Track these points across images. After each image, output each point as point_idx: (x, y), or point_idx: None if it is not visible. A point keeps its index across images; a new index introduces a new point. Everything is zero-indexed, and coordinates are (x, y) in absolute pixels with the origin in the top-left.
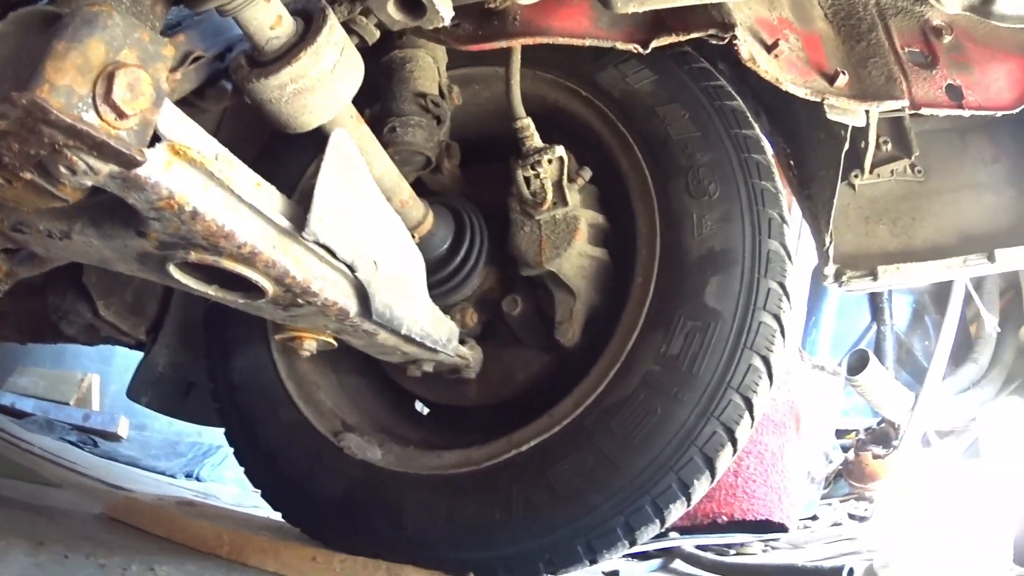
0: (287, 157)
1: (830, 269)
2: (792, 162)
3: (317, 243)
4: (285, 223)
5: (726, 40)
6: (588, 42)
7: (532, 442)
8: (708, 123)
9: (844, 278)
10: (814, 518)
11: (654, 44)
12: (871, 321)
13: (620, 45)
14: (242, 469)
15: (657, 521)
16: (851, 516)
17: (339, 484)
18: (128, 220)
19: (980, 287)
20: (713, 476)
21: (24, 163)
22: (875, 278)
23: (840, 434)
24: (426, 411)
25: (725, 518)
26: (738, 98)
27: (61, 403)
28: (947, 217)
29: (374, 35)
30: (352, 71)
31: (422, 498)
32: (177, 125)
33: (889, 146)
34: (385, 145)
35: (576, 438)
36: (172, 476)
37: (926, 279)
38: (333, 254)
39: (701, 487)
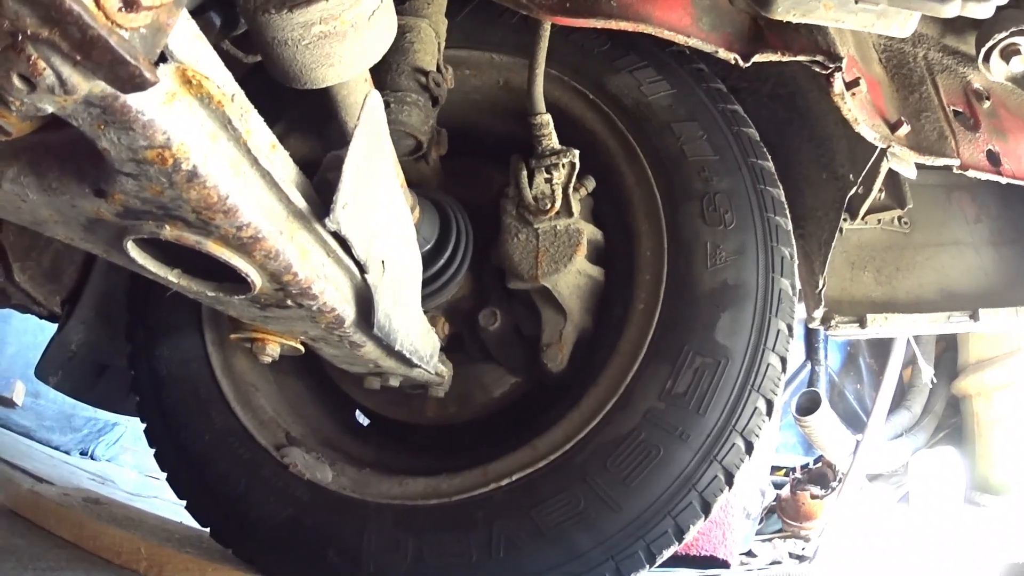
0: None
1: (818, 312)
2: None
3: (336, 234)
4: (301, 203)
5: (829, 71)
6: (690, 42)
7: (514, 476)
8: (726, 148)
9: (832, 322)
10: (750, 554)
11: (755, 59)
12: (805, 360)
13: (721, 53)
14: (150, 458)
15: (647, 566)
16: (791, 555)
17: (283, 507)
18: (85, 172)
19: (918, 337)
20: (706, 519)
21: None
22: (863, 325)
23: (773, 470)
24: (366, 422)
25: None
26: (754, 127)
27: None
28: (930, 271)
29: None
30: (388, 25)
31: (384, 531)
32: (192, 44)
33: (883, 195)
34: None
35: (566, 475)
36: (66, 452)
37: (911, 331)
38: (348, 250)
39: (694, 531)
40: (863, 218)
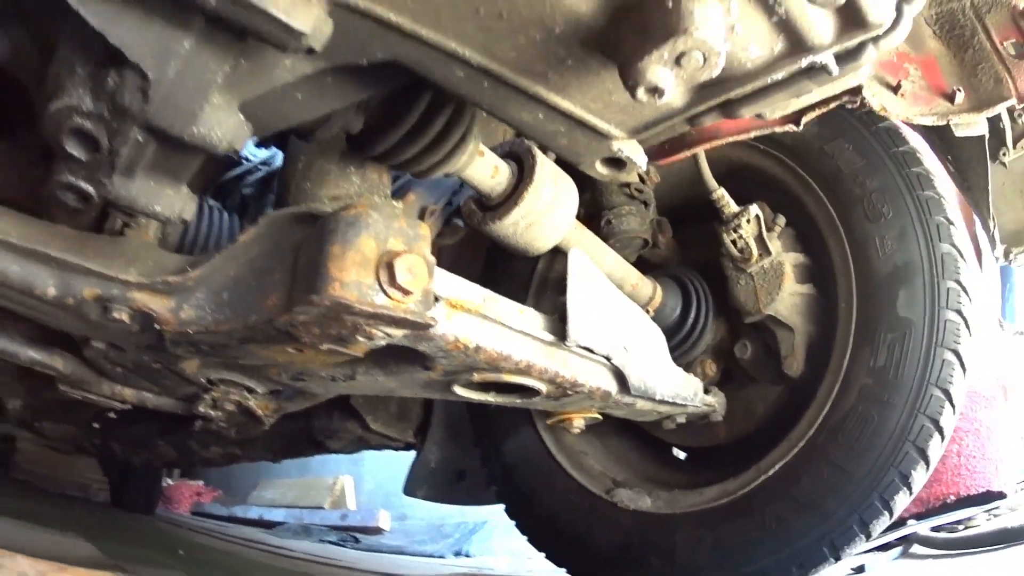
0: (512, 268)
1: (998, 250)
2: (949, 158)
3: (578, 347)
4: (549, 337)
5: (857, 103)
6: (753, 134)
7: (776, 466)
8: (869, 149)
9: (1012, 255)
10: None
11: (804, 120)
12: None
13: (778, 129)
14: (521, 539)
15: (886, 513)
16: None
17: (616, 533)
18: (413, 359)
19: None
20: (928, 464)
21: (323, 340)
22: None
23: None
24: (683, 455)
25: (953, 497)
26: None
27: (314, 508)
28: None
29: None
30: (569, 195)
31: (690, 532)
32: (447, 283)
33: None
34: (605, 237)
35: (812, 455)
36: (441, 557)
37: None
38: (591, 351)
39: (919, 476)
40: (1016, 146)
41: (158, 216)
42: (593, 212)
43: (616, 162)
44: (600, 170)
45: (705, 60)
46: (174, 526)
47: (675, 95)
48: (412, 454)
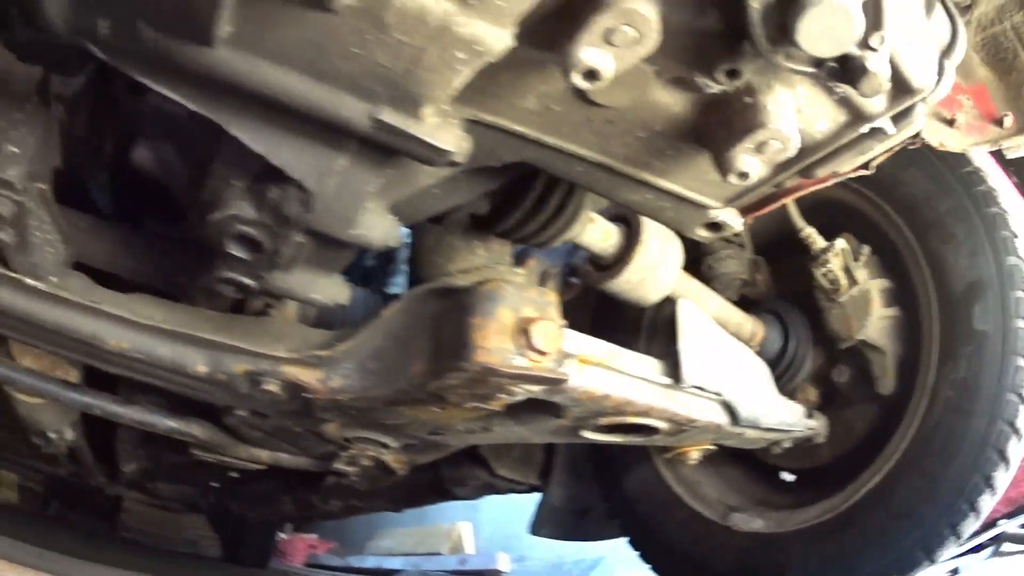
0: (622, 315)
1: None
2: (1012, 169)
3: (691, 387)
4: (665, 380)
5: (917, 144)
6: (831, 181)
7: (875, 480)
8: (938, 174)
9: None
10: None
11: (873, 165)
12: None
13: (853, 173)
14: (639, 572)
15: (972, 515)
16: None
17: (732, 555)
18: (546, 409)
19: None
20: (1008, 465)
21: (468, 400)
22: None
23: None
24: (791, 478)
25: None
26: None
27: (433, 554)
28: None
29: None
30: (674, 249)
31: (800, 549)
32: (576, 341)
33: None
34: (706, 281)
35: (905, 467)
36: None
37: None
38: (703, 390)
39: (1002, 477)
40: None
41: (314, 303)
42: (694, 257)
43: (714, 226)
44: (701, 233)
45: (782, 145)
46: None
47: (760, 173)
48: (528, 497)
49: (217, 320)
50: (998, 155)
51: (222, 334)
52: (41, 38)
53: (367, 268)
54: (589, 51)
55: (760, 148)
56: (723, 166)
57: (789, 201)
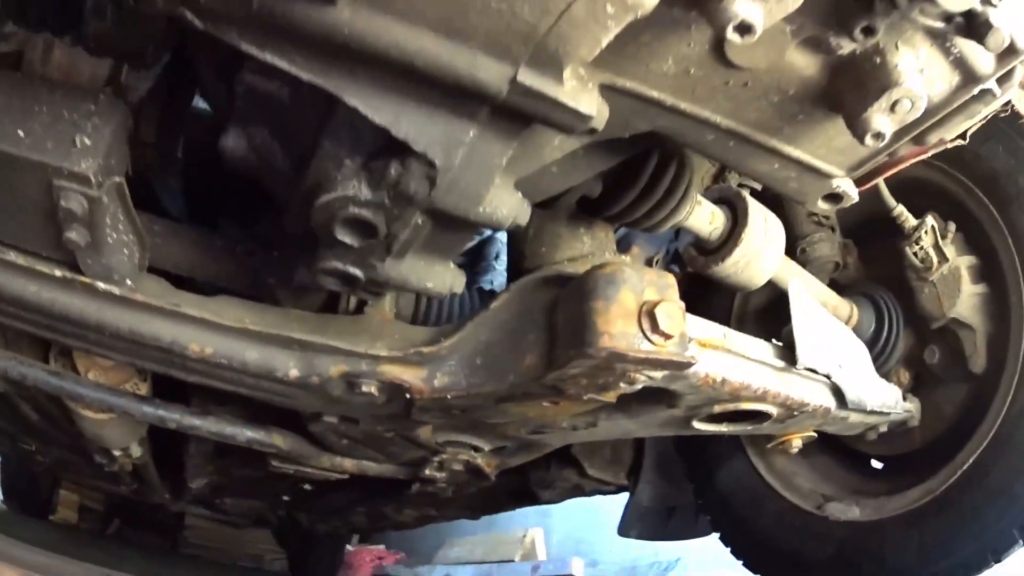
0: (711, 304)
1: None
2: None
3: (805, 369)
4: (780, 363)
5: (1008, 112)
6: (930, 153)
7: (971, 460)
8: (1017, 148)
9: None
10: None
11: (969, 134)
12: None
13: (951, 143)
14: (724, 569)
15: None
16: None
17: (829, 545)
18: (659, 399)
19: None
20: None
21: (588, 391)
22: None
23: None
24: (880, 465)
25: None
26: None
27: (504, 561)
28: None
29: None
30: (778, 232)
31: (897, 535)
32: (695, 324)
33: None
34: (801, 264)
35: (1000, 444)
36: None
37: None
38: (815, 372)
39: None
40: None
41: (429, 292)
42: (788, 243)
43: (834, 197)
44: (822, 205)
45: (912, 105)
46: None
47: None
48: (600, 500)
49: (310, 321)
50: None
51: (316, 335)
52: (113, 29)
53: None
54: (743, 3)
55: (893, 108)
56: (859, 128)
57: (894, 173)
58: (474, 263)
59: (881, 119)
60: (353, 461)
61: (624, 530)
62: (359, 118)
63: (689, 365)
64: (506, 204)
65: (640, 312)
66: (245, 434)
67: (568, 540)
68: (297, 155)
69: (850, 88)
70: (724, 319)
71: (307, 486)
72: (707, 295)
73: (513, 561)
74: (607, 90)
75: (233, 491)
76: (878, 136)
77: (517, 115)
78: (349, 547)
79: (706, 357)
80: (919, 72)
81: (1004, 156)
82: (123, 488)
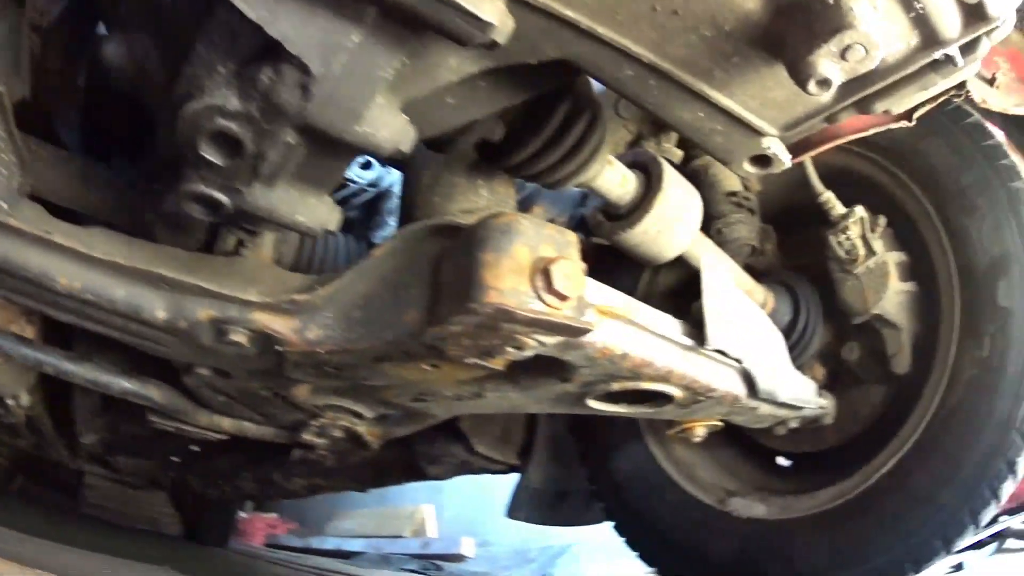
0: (616, 281)
1: None
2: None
3: (714, 350)
4: (688, 341)
5: (961, 97)
6: (870, 132)
7: (890, 463)
8: (960, 145)
9: None
10: None
11: (916, 116)
12: None
13: (893, 125)
14: (604, 563)
15: (993, 501)
16: None
17: (731, 543)
18: (551, 371)
19: None
20: None
21: (470, 354)
22: None
23: None
24: (787, 463)
25: None
26: (975, 113)
27: (395, 537)
28: None
29: (679, 156)
30: (694, 202)
31: (806, 536)
32: (596, 289)
33: None
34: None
35: (924, 449)
36: None
37: None
38: (725, 355)
39: (1021, 462)
40: None
41: (299, 227)
42: (702, 222)
43: (763, 160)
44: (747, 168)
45: (867, 53)
46: (251, 558)
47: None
48: (494, 479)
49: (183, 259)
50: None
51: (186, 274)
52: None
53: (350, 218)
54: None
55: (844, 53)
56: (802, 72)
57: (808, 159)
58: (369, 217)
59: (829, 64)
60: (231, 421)
61: (513, 512)
62: (236, 16)
63: (585, 332)
64: (388, 126)
65: (534, 268)
66: (121, 384)
67: (460, 519)
68: (172, 62)
69: (798, 29)
70: (630, 294)
71: (194, 447)
72: (613, 269)
73: (403, 537)
74: (516, 4)
75: (125, 449)
76: (824, 83)
77: (408, 19)
78: (243, 514)
79: (606, 326)
80: (876, 21)
81: (946, 153)
82: (23, 442)
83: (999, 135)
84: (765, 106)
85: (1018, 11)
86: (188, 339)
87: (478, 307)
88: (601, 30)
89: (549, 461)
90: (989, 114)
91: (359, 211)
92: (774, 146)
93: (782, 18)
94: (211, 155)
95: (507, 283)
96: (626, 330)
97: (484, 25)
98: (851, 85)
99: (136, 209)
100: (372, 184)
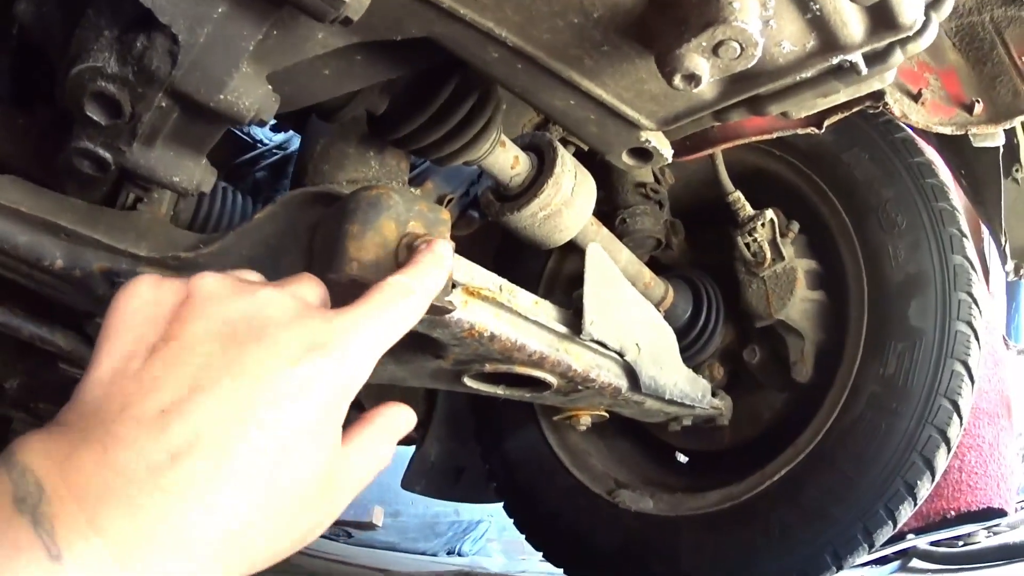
0: (522, 265)
1: (1009, 265)
2: (963, 172)
3: (592, 340)
4: (563, 329)
5: (879, 108)
6: (775, 135)
7: (782, 472)
8: (885, 159)
9: (1022, 272)
10: None
11: (826, 123)
12: None
13: (800, 131)
14: (515, 539)
15: (890, 523)
16: None
17: (617, 535)
18: (425, 347)
19: None
20: (933, 475)
21: None
22: None
23: None
24: (684, 460)
25: (953, 512)
26: (906, 128)
27: None
28: None
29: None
30: (588, 190)
31: (693, 536)
32: (465, 269)
33: None
34: (619, 236)
35: (819, 462)
36: (433, 555)
37: None
38: (605, 346)
39: (924, 487)
40: None
41: (176, 187)
42: (608, 211)
43: (643, 153)
44: (627, 161)
45: (742, 50)
46: None
47: (708, 86)
48: (409, 449)
49: (82, 211)
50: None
51: (83, 225)
52: None
53: (257, 180)
54: None
55: (716, 49)
56: (667, 64)
57: (719, 153)
58: (276, 179)
59: (698, 60)
60: None
61: (408, 484)
62: None
63: (446, 311)
64: (251, 95)
65: (400, 243)
66: (29, 328)
67: (371, 488)
68: (70, 25)
69: (670, 21)
70: (534, 281)
71: None
72: (519, 251)
73: None
74: None
75: (45, 396)
76: (690, 78)
77: None
78: None
79: (473, 307)
80: (761, 19)
81: (869, 166)
82: None
83: (930, 153)
84: (641, 98)
85: (960, 31)
86: (83, 288)
87: (336, 277)
88: (462, 10)
89: (447, 436)
90: (925, 133)
91: (266, 173)
92: (654, 140)
93: (655, 9)
94: (94, 114)
95: (369, 255)
96: (495, 312)
97: (336, 2)
98: (736, 83)
99: (47, 159)
100: (280, 147)
